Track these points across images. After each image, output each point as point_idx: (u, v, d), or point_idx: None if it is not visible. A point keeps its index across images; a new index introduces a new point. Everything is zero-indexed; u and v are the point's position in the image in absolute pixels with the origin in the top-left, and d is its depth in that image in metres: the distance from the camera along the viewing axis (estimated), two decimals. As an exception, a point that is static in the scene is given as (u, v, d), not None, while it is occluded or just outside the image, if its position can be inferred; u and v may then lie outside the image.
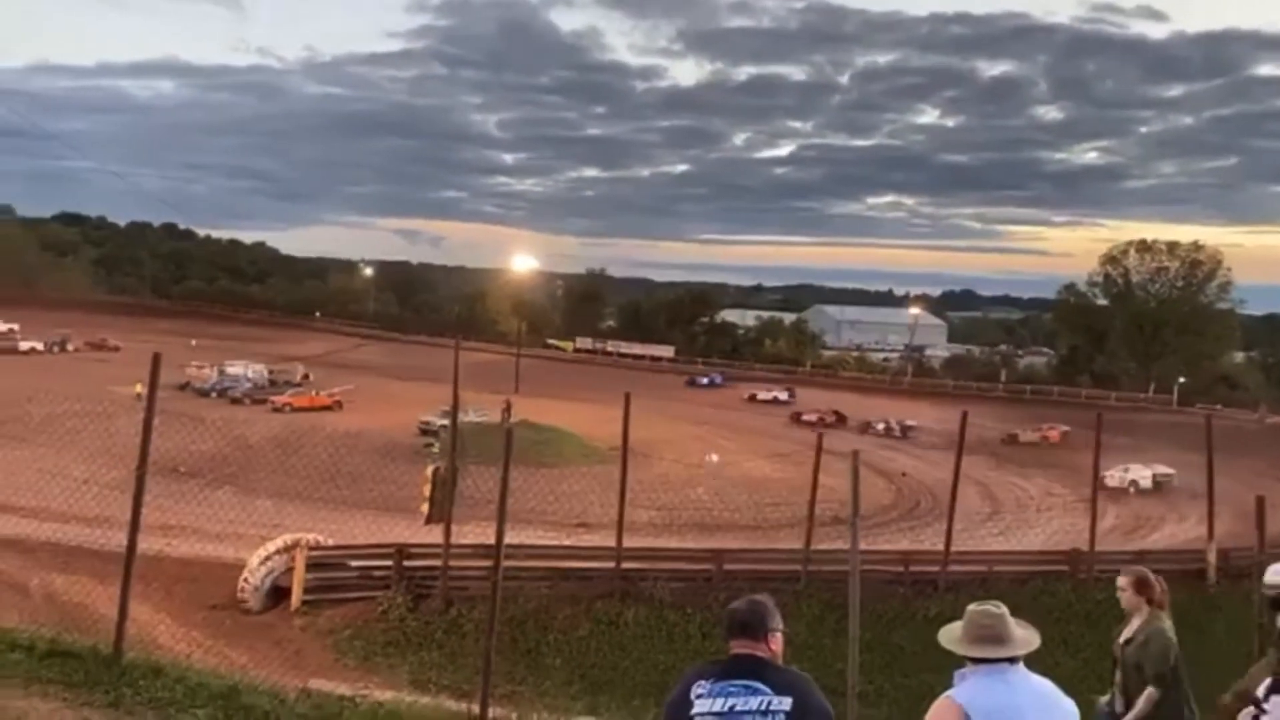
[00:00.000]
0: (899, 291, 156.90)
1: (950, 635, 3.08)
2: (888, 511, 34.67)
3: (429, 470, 15.79)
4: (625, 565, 14.03)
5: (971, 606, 3.12)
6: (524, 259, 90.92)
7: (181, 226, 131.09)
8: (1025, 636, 3.04)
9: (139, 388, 32.77)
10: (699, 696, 2.89)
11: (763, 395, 69.97)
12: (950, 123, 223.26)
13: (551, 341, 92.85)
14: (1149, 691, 5.05)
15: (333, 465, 31.13)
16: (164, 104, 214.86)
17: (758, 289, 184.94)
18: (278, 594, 14.74)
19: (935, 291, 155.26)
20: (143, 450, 6.20)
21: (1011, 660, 2.97)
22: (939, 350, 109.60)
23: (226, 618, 14.50)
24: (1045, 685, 2.98)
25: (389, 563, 14.17)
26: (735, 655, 2.98)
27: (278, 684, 6.15)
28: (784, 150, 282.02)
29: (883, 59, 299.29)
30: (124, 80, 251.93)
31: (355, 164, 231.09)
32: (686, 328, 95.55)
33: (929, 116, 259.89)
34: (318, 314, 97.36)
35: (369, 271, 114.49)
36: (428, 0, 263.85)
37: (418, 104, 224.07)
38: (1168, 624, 5.21)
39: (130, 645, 6.16)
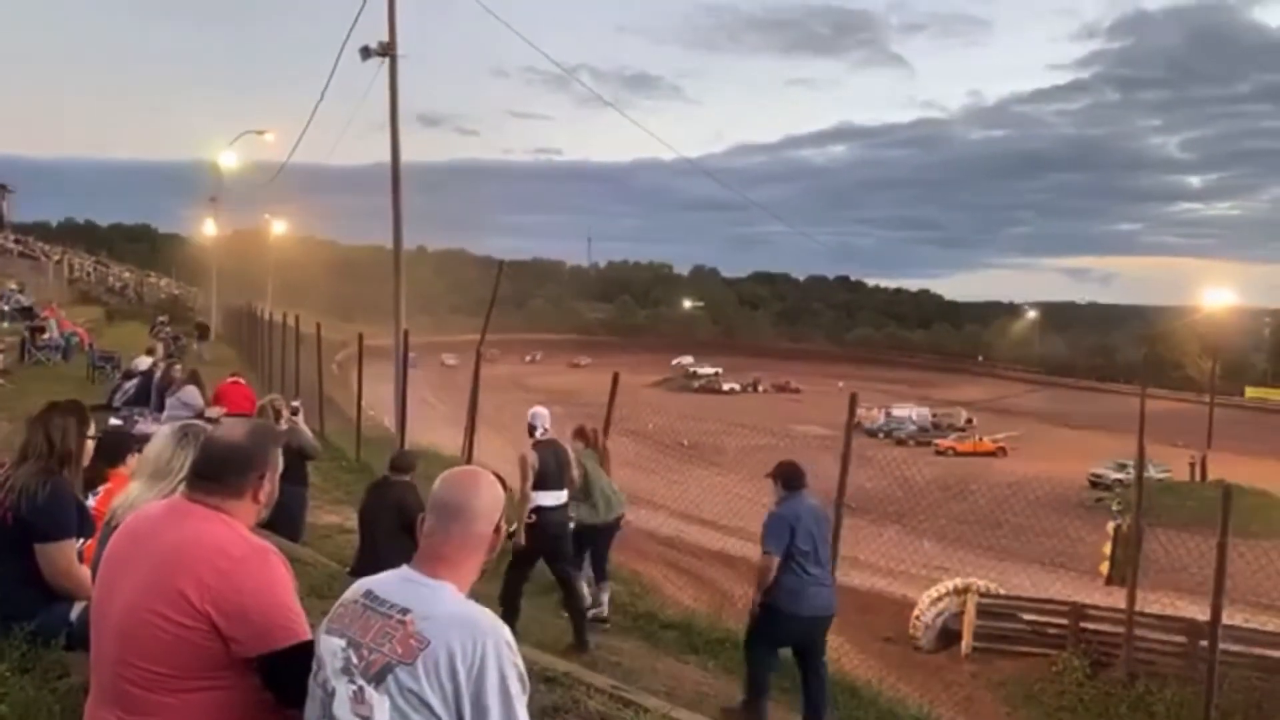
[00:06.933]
0: None
1: None
2: None
3: (1110, 527, 14.65)
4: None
5: None
6: (1217, 293, 79.30)
7: (852, 279, 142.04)
8: None
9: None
10: None
11: None
12: None
13: (1252, 390, 79.46)
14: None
15: (995, 513, 30.56)
16: (835, 166, 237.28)
17: None
18: (947, 636, 14.94)
19: None
20: (840, 483, 6.77)
21: None
22: None
23: (898, 651, 15.09)
24: None
25: (1063, 621, 13.46)
26: None
27: (961, 726, 6.17)
28: None
29: None
30: (804, 150, 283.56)
31: (1018, 205, 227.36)
32: None
33: None
34: (980, 358, 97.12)
35: (1032, 314, 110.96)
36: (1099, 24, 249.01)
37: (1086, 135, 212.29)
38: (590, 459, 7.32)
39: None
